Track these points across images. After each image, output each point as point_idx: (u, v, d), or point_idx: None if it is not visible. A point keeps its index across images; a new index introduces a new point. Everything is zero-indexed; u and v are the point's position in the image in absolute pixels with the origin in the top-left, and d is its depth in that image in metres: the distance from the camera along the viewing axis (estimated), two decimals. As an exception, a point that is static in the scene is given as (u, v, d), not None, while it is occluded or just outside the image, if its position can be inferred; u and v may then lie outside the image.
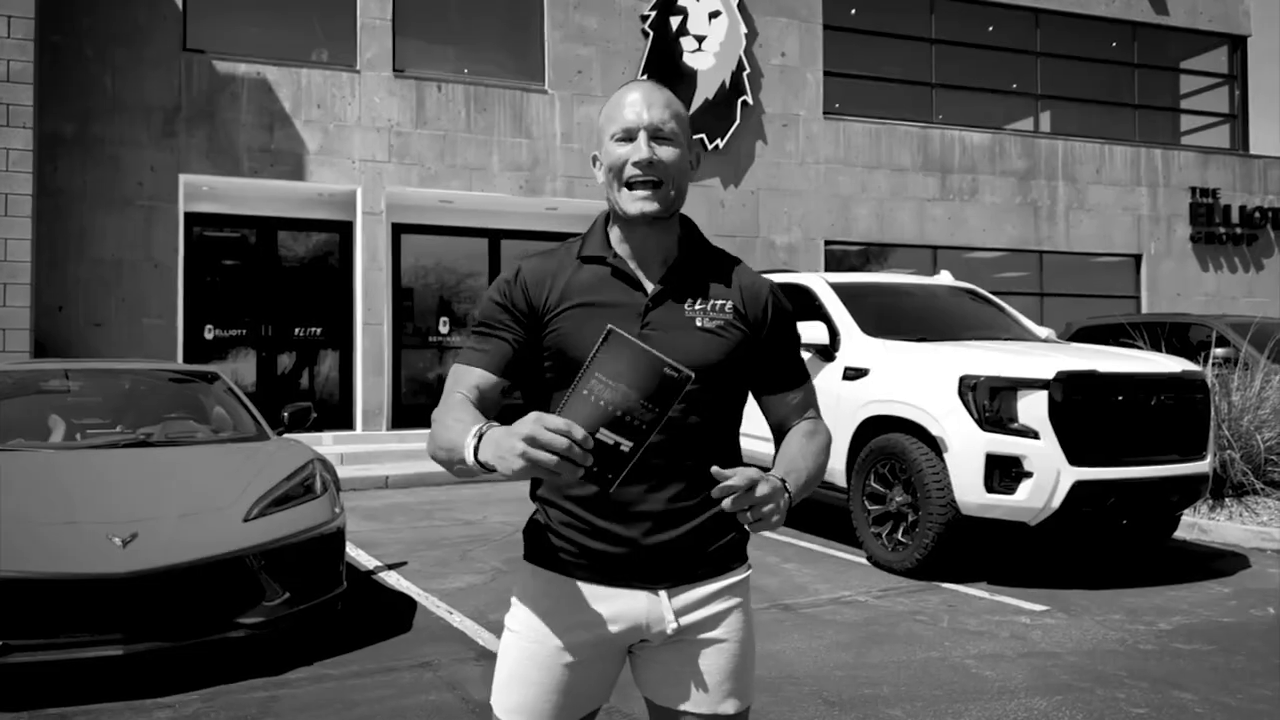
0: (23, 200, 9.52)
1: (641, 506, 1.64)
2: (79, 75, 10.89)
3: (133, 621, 3.88)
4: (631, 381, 1.39)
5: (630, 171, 1.67)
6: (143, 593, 3.90)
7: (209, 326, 12.05)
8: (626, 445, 1.41)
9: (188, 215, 11.62)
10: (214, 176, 11.38)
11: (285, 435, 5.72)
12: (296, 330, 12.53)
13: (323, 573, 4.57)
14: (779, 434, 1.82)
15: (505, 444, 1.38)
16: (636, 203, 1.67)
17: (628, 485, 1.56)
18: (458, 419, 1.58)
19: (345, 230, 12.56)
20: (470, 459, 1.47)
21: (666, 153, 1.67)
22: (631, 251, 1.73)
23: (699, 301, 1.71)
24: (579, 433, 1.36)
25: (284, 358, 12.55)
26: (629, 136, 1.67)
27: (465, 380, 1.71)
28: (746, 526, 1.50)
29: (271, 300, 12.37)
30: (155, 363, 7.07)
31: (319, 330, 12.63)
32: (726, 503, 1.46)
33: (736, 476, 1.45)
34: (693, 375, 1.40)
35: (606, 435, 1.40)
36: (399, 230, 12.88)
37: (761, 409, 1.84)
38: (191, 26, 11.43)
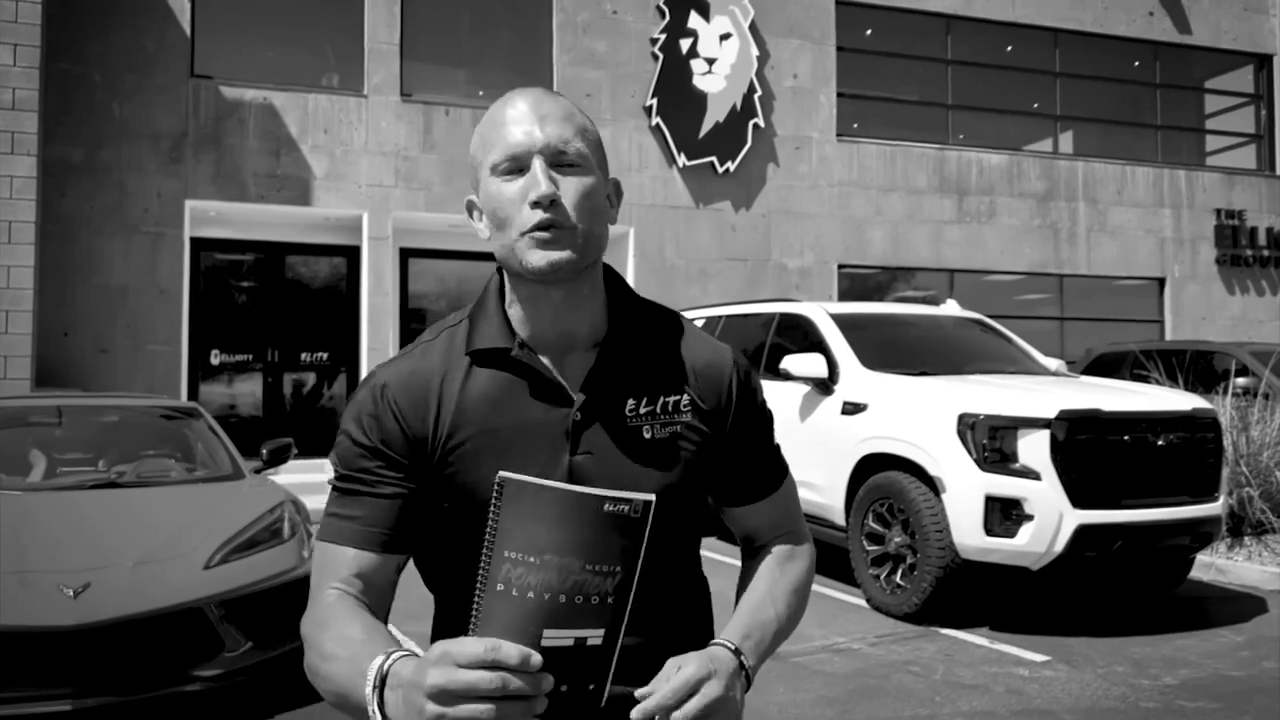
0: (26, 228, 9.51)
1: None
2: (87, 102, 10.93)
3: (83, 675, 3.74)
4: (561, 545, 0.95)
5: (526, 215, 1.18)
6: (93, 646, 3.78)
7: (215, 351, 12.01)
8: (595, 637, 0.98)
9: (194, 241, 11.61)
10: (221, 202, 11.36)
11: (263, 473, 5.61)
12: (303, 355, 12.48)
13: (289, 621, 4.41)
14: (747, 548, 1.41)
15: (414, 702, 0.95)
16: (540, 252, 1.17)
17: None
18: (338, 640, 1.13)
19: (352, 255, 12.51)
20: (377, 718, 1.02)
21: (573, 185, 1.19)
22: (543, 334, 1.25)
23: (645, 401, 1.26)
24: (511, 653, 0.93)
25: (290, 383, 12.50)
26: (518, 166, 1.19)
27: (336, 568, 1.23)
28: None
29: (278, 325, 12.33)
30: (139, 397, 7.00)
31: (326, 355, 12.57)
32: None
33: (661, 692, 1.07)
34: (652, 499, 1.00)
35: (556, 637, 0.96)
36: (407, 254, 12.82)
37: (725, 520, 1.41)
38: (199, 53, 11.45)
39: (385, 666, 1.03)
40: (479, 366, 1.26)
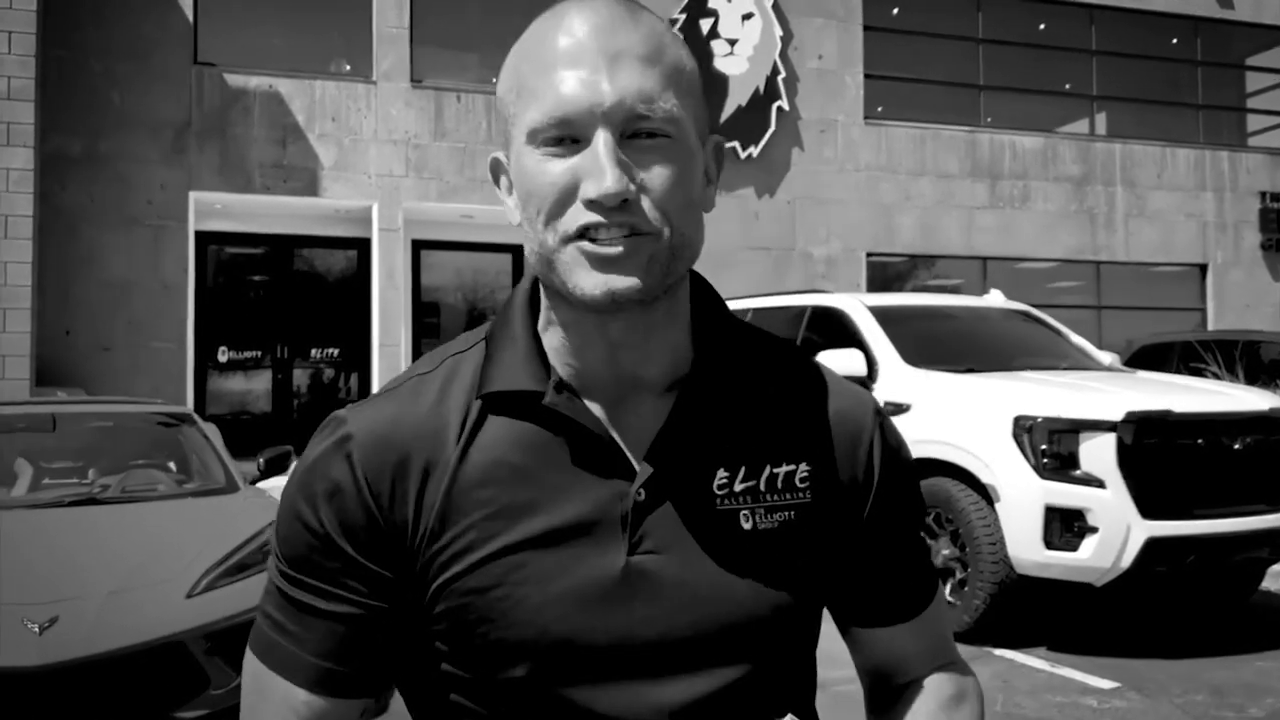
0: (23, 222, 9.15)
1: None
2: (85, 91, 10.55)
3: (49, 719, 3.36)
4: None
5: (583, 218, 0.75)
6: (61, 687, 3.38)
7: (223, 348, 11.67)
8: None
9: (199, 234, 11.24)
10: (225, 194, 10.99)
11: (260, 484, 5.20)
12: (313, 351, 12.13)
13: (282, 652, 4.02)
14: (881, 686, 0.99)
15: None
16: (596, 275, 0.76)
17: None
18: None
19: (363, 247, 12.11)
20: None
21: (660, 173, 0.76)
22: (592, 372, 0.84)
23: (744, 472, 0.85)
24: None
25: (300, 380, 12.14)
26: (570, 134, 0.75)
27: (275, 707, 0.87)
28: None
29: (287, 321, 11.98)
30: (129, 402, 6.60)
31: (336, 351, 12.21)
32: None
33: None
34: None
35: None
36: (419, 246, 12.42)
37: (851, 646, 0.99)
38: (202, 39, 11.06)
39: None
40: (495, 416, 0.83)
